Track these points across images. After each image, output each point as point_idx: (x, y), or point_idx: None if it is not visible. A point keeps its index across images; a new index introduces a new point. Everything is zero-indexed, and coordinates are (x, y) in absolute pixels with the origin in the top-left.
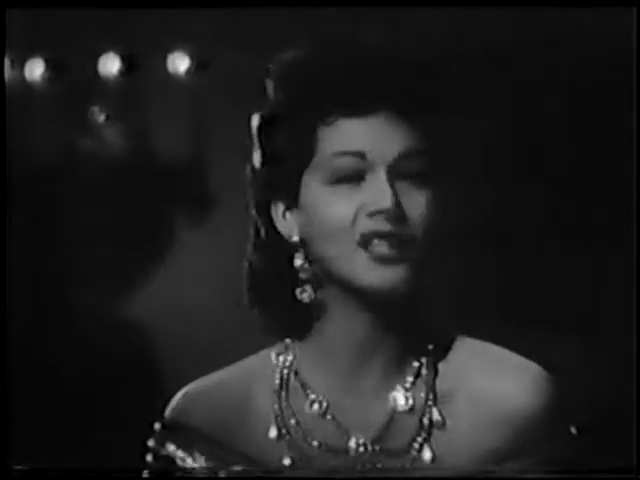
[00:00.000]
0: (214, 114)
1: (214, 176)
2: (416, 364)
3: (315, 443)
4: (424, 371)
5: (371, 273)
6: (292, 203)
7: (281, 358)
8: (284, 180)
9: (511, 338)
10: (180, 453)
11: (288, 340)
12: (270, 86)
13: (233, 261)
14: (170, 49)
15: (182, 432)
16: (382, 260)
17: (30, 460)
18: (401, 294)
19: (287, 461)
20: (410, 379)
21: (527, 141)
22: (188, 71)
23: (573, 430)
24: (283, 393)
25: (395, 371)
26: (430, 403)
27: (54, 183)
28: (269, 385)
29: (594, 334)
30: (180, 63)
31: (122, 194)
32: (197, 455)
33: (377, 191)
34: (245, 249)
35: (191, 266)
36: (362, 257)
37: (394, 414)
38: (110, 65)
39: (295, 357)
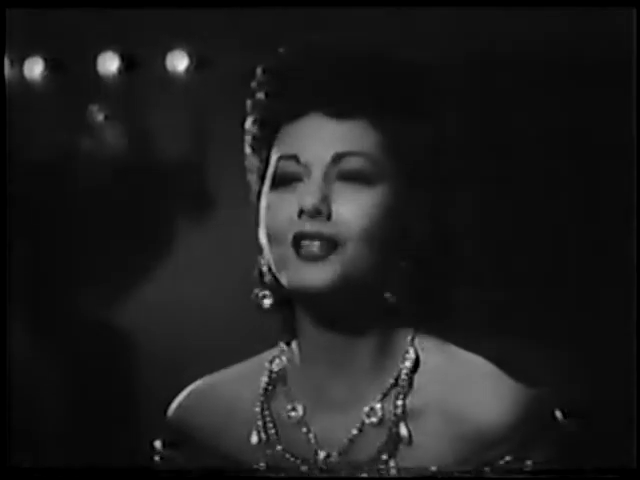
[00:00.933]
0: (213, 113)
1: (213, 175)
2: (392, 375)
3: (288, 451)
4: (400, 383)
5: (300, 274)
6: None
7: (274, 362)
8: (254, 184)
9: (504, 343)
10: (175, 454)
11: (283, 344)
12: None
13: (233, 261)
14: (169, 48)
15: (180, 432)
16: (310, 259)
17: (30, 460)
18: (333, 293)
19: (262, 467)
20: (383, 391)
21: (524, 142)
22: (187, 70)
23: (558, 415)
24: (268, 399)
25: (369, 382)
26: (399, 417)
27: (53, 181)
28: (258, 389)
29: (594, 333)
30: (179, 62)
31: (121, 193)
32: (189, 454)
33: (305, 192)
34: (244, 249)
35: (191, 266)
36: (293, 259)
37: (363, 427)
38: (109, 64)
39: (289, 362)
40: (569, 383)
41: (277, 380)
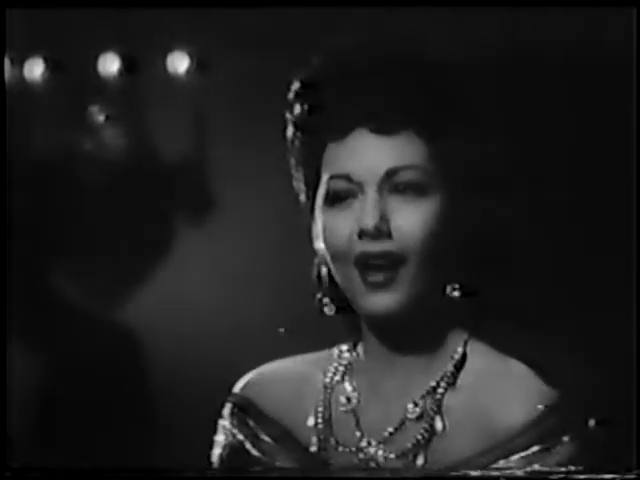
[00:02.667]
0: (214, 114)
1: (214, 177)
2: (439, 374)
3: (335, 437)
4: (444, 380)
5: (365, 299)
6: (312, 215)
7: (342, 355)
8: (301, 192)
9: (521, 343)
10: (237, 431)
11: (349, 345)
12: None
13: (233, 263)
14: (170, 49)
15: (249, 405)
16: (375, 287)
17: (30, 460)
18: (398, 317)
19: (313, 449)
20: (427, 389)
21: (526, 143)
22: (188, 71)
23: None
24: (331, 388)
25: (418, 379)
26: (436, 412)
27: (53, 182)
28: (324, 377)
29: (594, 334)
30: (180, 63)
31: (121, 194)
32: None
33: (362, 211)
34: (245, 251)
35: (191, 268)
36: (358, 281)
37: (405, 420)
38: (110, 65)
39: (357, 357)
40: (569, 385)
41: (343, 372)
